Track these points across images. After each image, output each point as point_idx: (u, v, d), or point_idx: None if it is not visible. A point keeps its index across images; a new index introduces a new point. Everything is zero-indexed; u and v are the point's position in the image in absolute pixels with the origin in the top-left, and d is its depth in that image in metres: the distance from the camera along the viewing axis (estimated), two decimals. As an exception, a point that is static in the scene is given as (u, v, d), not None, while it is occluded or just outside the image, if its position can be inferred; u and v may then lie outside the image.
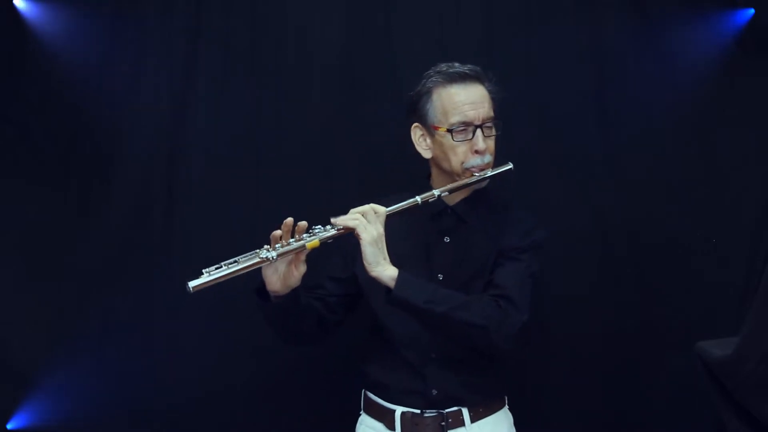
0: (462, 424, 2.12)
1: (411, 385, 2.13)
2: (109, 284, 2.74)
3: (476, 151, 2.10)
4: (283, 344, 2.26)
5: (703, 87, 2.65)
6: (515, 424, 2.25)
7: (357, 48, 2.74)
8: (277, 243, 1.93)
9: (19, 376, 2.75)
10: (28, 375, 2.75)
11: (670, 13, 2.67)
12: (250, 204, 2.73)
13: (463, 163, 2.11)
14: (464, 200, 2.18)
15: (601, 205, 2.71)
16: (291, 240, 1.93)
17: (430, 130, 2.15)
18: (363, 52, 2.74)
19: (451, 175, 2.14)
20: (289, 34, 2.75)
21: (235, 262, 1.89)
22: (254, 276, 1.98)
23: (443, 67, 2.16)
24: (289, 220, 1.93)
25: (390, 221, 2.01)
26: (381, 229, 1.98)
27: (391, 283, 1.97)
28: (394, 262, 2.00)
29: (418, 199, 2.05)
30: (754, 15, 2.65)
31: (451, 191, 2.11)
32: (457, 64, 2.15)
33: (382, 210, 2.00)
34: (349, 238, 2.00)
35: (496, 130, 2.14)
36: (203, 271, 1.86)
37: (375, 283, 2.01)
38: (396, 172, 2.66)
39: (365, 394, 2.24)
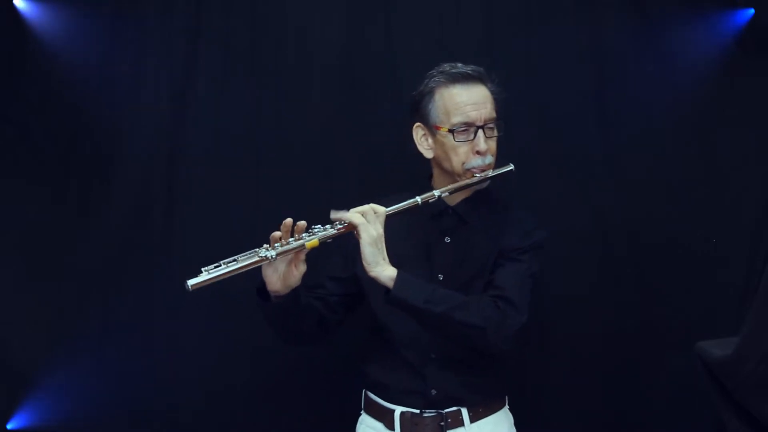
0: (461, 424, 2.12)
1: (411, 385, 2.13)
2: (109, 284, 2.74)
3: (477, 152, 2.10)
4: (284, 344, 2.26)
5: (703, 87, 2.66)
6: (515, 424, 2.25)
7: (357, 48, 2.74)
8: (277, 243, 1.93)
9: (19, 376, 2.75)
10: (28, 375, 2.75)
11: (670, 13, 2.67)
12: (250, 204, 2.73)
13: (464, 163, 2.11)
14: (465, 200, 2.18)
15: (601, 205, 2.71)
16: (290, 239, 1.93)
17: (432, 130, 2.15)
18: (363, 52, 2.74)
19: (452, 176, 2.14)
20: (289, 34, 2.75)
21: (234, 261, 1.89)
22: (254, 276, 1.98)
23: (446, 67, 2.16)
24: (288, 220, 1.93)
25: (391, 221, 2.01)
26: (380, 230, 1.98)
27: (390, 284, 1.97)
28: (395, 262, 2.00)
29: (418, 199, 2.05)
30: (754, 15, 2.64)
31: (451, 192, 2.11)
32: (460, 65, 2.15)
33: (382, 210, 2.00)
34: (350, 238, 2.01)
35: (498, 131, 2.14)
36: (202, 269, 1.87)
37: (375, 283, 2.01)
38: (396, 172, 2.66)
39: (365, 394, 2.24)
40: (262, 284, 2.00)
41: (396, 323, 2.11)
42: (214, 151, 2.75)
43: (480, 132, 2.10)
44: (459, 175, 2.12)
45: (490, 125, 2.12)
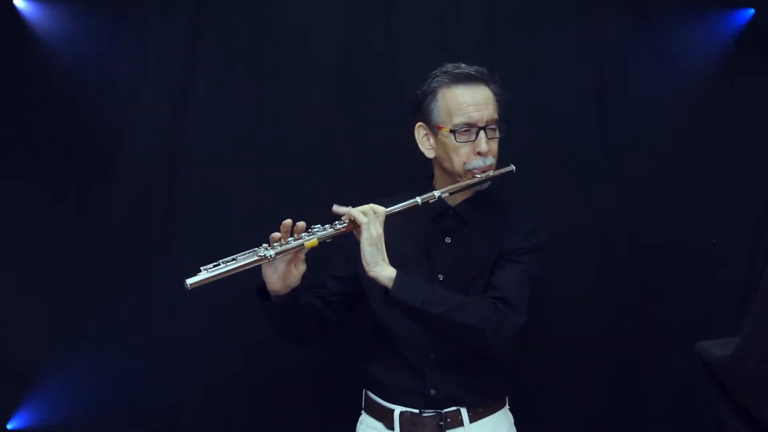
0: (461, 424, 2.12)
1: (410, 385, 2.13)
2: (109, 284, 2.74)
3: (479, 153, 2.10)
4: (284, 344, 2.26)
5: (703, 87, 2.65)
6: (515, 424, 2.25)
7: (357, 48, 2.74)
8: (276, 243, 1.93)
9: (19, 376, 2.75)
10: (28, 375, 2.76)
11: (670, 13, 2.67)
12: (250, 204, 2.73)
13: (465, 164, 2.11)
14: (466, 201, 2.18)
15: (601, 205, 2.71)
16: (290, 239, 1.93)
17: (434, 129, 2.14)
18: (363, 52, 2.74)
19: (453, 176, 2.14)
20: (289, 34, 2.75)
21: (234, 260, 1.89)
22: (255, 276, 1.98)
23: (449, 67, 2.15)
24: (288, 221, 1.93)
25: (392, 221, 2.01)
26: (380, 230, 1.98)
27: (389, 284, 1.97)
28: (396, 262, 2.00)
29: (419, 199, 2.05)
30: (754, 15, 2.64)
31: (452, 193, 2.11)
32: (463, 65, 2.15)
33: (382, 210, 2.00)
34: (351, 238, 2.01)
35: (500, 133, 2.14)
36: (201, 268, 1.87)
37: (375, 283, 2.00)
38: (396, 172, 2.66)
39: (366, 394, 2.24)
40: (262, 284, 2.00)
41: (396, 323, 2.11)
42: (214, 151, 2.75)
43: (482, 133, 2.10)
44: (460, 176, 2.12)
45: (492, 126, 2.12)
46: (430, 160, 2.21)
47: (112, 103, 2.75)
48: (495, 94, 2.14)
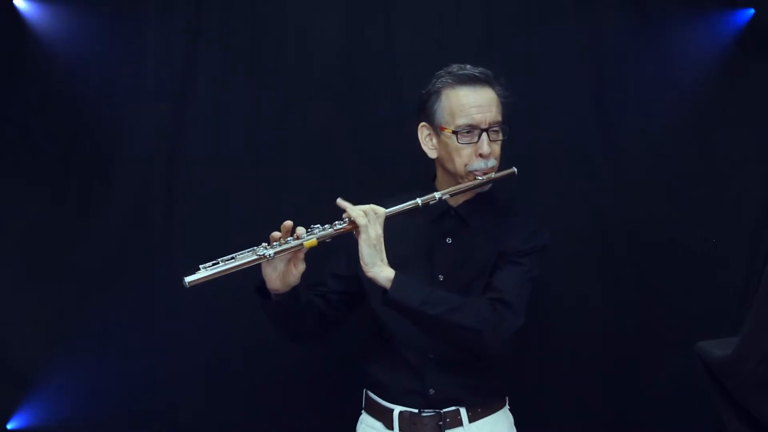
0: (460, 424, 2.12)
1: (410, 385, 2.13)
2: (109, 284, 2.74)
3: (480, 155, 2.10)
4: (284, 343, 2.26)
5: (703, 87, 2.65)
6: (515, 424, 2.25)
7: (357, 48, 2.74)
8: (276, 242, 1.93)
9: (19, 376, 2.75)
10: (28, 375, 2.76)
11: (670, 13, 2.67)
12: (250, 204, 2.73)
13: (466, 165, 2.11)
14: (467, 202, 2.18)
15: (601, 205, 2.71)
16: (289, 239, 1.93)
17: (437, 130, 2.15)
18: (363, 52, 2.74)
19: (454, 177, 2.14)
20: (289, 34, 2.75)
21: (233, 258, 1.89)
22: (255, 277, 1.99)
23: (454, 68, 2.15)
24: (288, 223, 1.93)
25: (393, 221, 2.01)
26: (380, 231, 1.98)
27: (387, 285, 1.97)
28: (397, 262, 2.01)
29: (419, 201, 2.04)
30: (754, 15, 2.64)
31: (452, 194, 2.11)
32: (468, 66, 2.15)
33: (382, 211, 2.00)
34: (353, 237, 2.01)
35: (503, 135, 2.14)
36: (200, 266, 1.87)
37: (374, 283, 2.00)
38: (396, 172, 2.67)
39: (366, 394, 2.24)
40: (262, 282, 2.00)
41: (396, 323, 2.11)
42: (214, 151, 2.75)
43: (484, 135, 2.10)
44: (461, 177, 2.12)
45: (495, 128, 2.12)
46: (432, 161, 2.21)
47: (112, 103, 2.75)
48: (499, 96, 2.14)
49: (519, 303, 2.04)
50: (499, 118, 2.13)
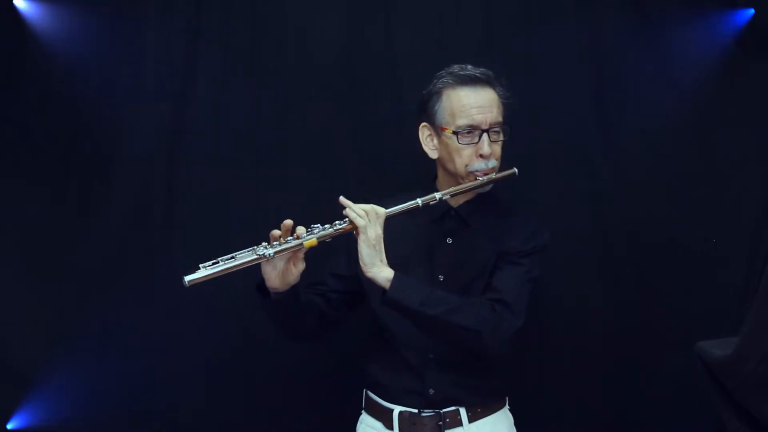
0: (459, 424, 2.12)
1: (410, 385, 2.13)
2: (109, 284, 2.74)
3: (481, 155, 2.10)
4: (284, 343, 2.26)
5: (703, 87, 2.65)
6: (515, 424, 2.25)
7: (357, 48, 2.74)
8: (276, 241, 1.93)
9: (19, 376, 2.76)
10: (28, 375, 2.76)
11: (670, 13, 2.67)
12: (250, 204, 2.73)
13: (467, 166, 2.11)
14: (468, 202, 2.18)
15: (601, 205, 2.71)
16: (289, 238, 1.93)
17: (438, 130, 2.15)
18: (363, 52, 2.74)
19: (455, 177, 2.14)
20: (289, 34, 2.75)
21: (232, 258, 1.90)
22: (255, 277, 1.99)
23: (456, 68, 2.15)
24: (289, 222, 1.93)
25: (394, 221, 2.01)
26: (379, 231, 1.98)
27: (386, 285, 1.97)
28: (397, 262, 2.01)
29: (419, 201, 2.04)
30: (754, 15, 2.64)
31: (453, 195, 2.11)
32: (470, 67, 2.14)
33: (382, 212, 2.00)
34: (352, 237, 2.00)
35: (504, 136, 2.14)
36: (200, 265, 1.87)
37: (374, 283, 2.01)
38: (396, 172, 2.67)
39: (366, 394, 2.24)
40: (262, 281, 2.00)
41: (396, 323, 2.11)
42: (214, 151, 2.75)
43: (484, 135, 2.10)
44: (462, 177, 2.12)
45: (496, 129, 2.12)
46: (433, 161, 2.21)
47: (112, 103, 2.75)
48: (500, 96, 2.14)
49: (519, 303, 2.04)
50: (500, 119, 2.13)
